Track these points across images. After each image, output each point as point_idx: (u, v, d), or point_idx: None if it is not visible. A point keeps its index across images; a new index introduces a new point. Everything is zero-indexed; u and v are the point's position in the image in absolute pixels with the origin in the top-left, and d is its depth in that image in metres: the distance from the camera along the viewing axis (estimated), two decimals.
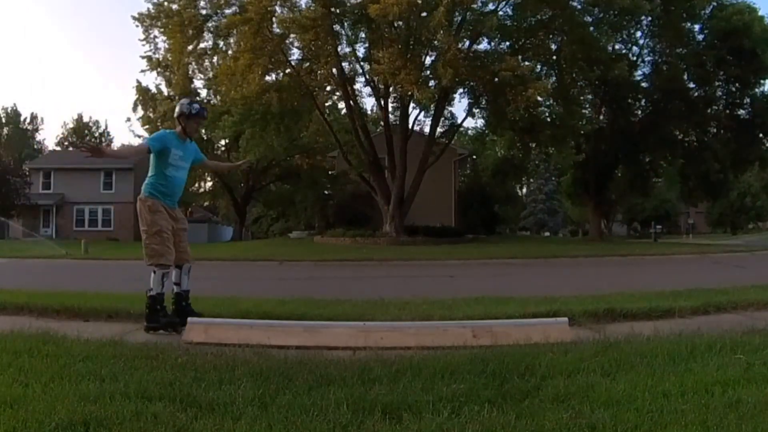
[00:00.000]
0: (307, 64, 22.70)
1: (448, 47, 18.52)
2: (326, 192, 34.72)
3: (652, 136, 26.61)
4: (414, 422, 2.08)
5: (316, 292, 6.99)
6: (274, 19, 20.45)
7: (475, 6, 20.71)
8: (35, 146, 60.03)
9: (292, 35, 21.38)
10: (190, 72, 26.79)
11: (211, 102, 33.21)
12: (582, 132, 24.84)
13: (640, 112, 28.67)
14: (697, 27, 25.88)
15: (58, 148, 56.20)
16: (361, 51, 23.78)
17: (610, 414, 2.10)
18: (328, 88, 25.56)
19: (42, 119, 74.08)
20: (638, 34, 26.55)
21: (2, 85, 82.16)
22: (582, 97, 25.95)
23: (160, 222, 4.18)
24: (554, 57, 22.65)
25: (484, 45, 22.72)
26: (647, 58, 27.84)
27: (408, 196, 23.13)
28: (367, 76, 23.73)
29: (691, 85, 26.97)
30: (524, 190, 57.58)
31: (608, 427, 2.00)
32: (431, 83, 20.31)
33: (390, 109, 24.39)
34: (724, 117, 27.64)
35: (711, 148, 27.13)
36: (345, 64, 23.20)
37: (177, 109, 4.40)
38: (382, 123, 25.97)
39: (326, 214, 31.91)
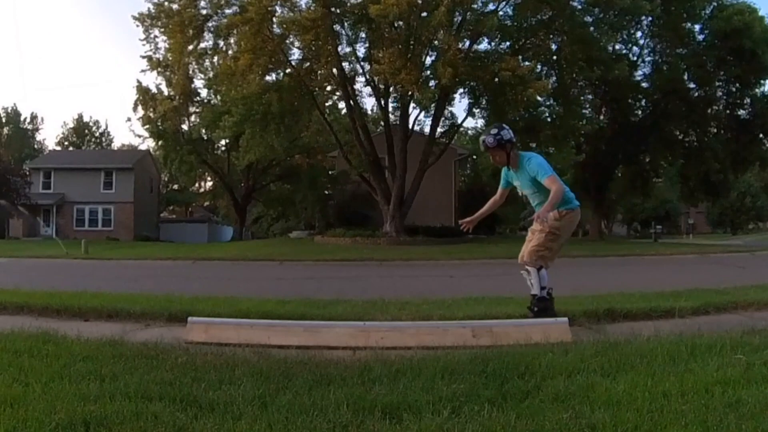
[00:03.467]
0: (307, 64, 22.69)
1: (448, 47, 18.52)
2: (326, 192, 34.67)
3: (652, 136, 26.62)
4: (414, 422, 2.08)
5: (316, 292, 6.99)
6: (274, 19, 20.45)
7: (475, 6, 20.72)
8: (35, 146, 60.03)
9: (292, 35, 21.36)
10: (190, 72, 26.80)
11: (211, 102, 33.33)
12: (582, 132, 24.82)
13: (640, 112, 28.66)
14: (697, 27, 25.87)
15: (58, 148, 56.25)
16: (361, 51, 23.81)
17: (610, 414, 2.10)
18: (328, 88, 25.56)
19: (42, 119, 74.19)
20: (638, 34, 26.58)
21: (2, 85, 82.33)
22: (582, 97, 25.95)
23: None
24: (554, 57, 22.64)
25: (484, 45, 22.77)
26: (647, 58, 27.88)
27: (408, 196, 23.12)
28: (367, 76, 23.73)
29: (692, 85, 26.95)
30: None
31: (608, 427, 2.00)
32: (431, 83, 20.31)
33: (390, 109, 24.39)
34: (724, 117, 27.66)
35: (711, 148, 27.12)
36: (345, 64, 23.20)
37: None
38: (382, 123, 25.98)
39: (326, 214, 31.89)
